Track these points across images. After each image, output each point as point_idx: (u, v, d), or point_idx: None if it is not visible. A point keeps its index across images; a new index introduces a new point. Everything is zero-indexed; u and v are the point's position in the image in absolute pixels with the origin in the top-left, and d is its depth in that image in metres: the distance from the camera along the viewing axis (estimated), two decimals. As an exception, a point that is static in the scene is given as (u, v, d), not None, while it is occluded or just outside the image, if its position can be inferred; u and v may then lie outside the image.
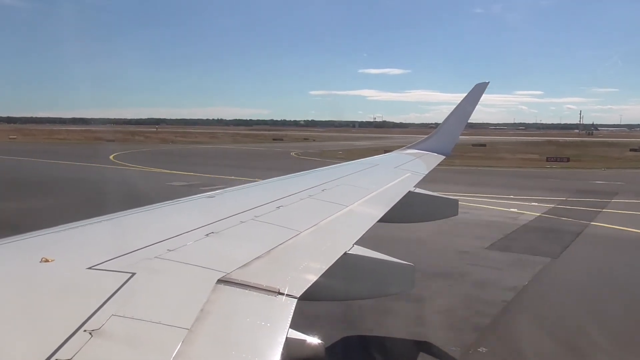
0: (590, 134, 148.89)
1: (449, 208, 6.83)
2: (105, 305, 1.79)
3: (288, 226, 3.36)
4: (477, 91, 9.61)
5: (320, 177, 5.90)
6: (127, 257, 2.33)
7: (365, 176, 6.73)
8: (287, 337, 1.89)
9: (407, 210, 5.71)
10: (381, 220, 4.34)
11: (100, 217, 3.24)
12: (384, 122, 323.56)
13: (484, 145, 68.45)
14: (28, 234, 2.69)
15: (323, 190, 4.87)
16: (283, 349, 1.81)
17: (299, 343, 2.12)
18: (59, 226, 2.89)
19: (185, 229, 2.93)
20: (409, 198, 5.69)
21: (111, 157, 46.61)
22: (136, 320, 1.75)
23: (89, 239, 2.86)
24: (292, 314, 2.06)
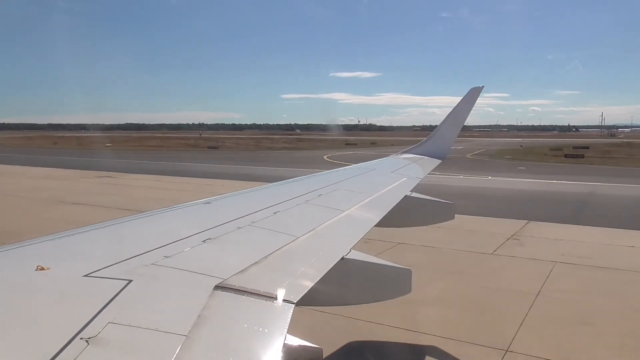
0: (612, 136, 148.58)
1: (446, 212, 6.84)
2: (101, 313, 1.78)
3: (285, 232, 3.36)
4: (472, 95, 9.66)
5: (317, 182, 5.90)
6: (123, 264, 2.32)
7: (361, 181, 6.74)
8: (285, 343, 1.89)
9: (403, 214, 5.72)
10: (378, 224, 4.34)
11: (96, 224, 3.22)
12: (370, 125, 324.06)
13: (587, 147, 67.33)
14: (23, 242, 2.68)
15: (320, 195, 4.88)
16: (281, 354, 1.80)
17: (297, 349, 2.12)
18: (55, 234, 2.88)
19: (182, 236, 2.92)
20: (406, 202, 5.71)
21: (325, 157, 48.33)
22: (133, 327, 1.74)
23: (85, 246, 2.85)
24: (289, 319, 2.05)
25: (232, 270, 2.41)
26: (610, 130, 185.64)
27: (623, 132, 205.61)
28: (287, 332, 1.96)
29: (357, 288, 3.45)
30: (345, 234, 3.71)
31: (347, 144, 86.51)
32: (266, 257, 2.76)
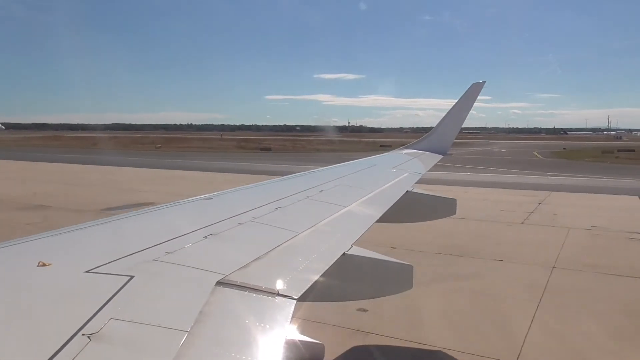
0: (619, 138, 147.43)
1: (447, 207, 6.83)
2: (103, 309, 1.78)
3: (286, 227, 3.36)
4: (474, 91, 9.65)
5: (318, 178, 5.90)
6: (125, 260, 2.32)
7: (363, 176, 6.74)
8: (286, 339, 1.89)
9: (405, 210, 5.72)
10: (379, 220, 4.34)
11: (98, 220, 3.23)
12: (361, 126, 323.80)
13: (632, 150, 66.49)
14: (25, 238, 2.68)
15: (321, 191, 4.87)
16: (283, 350, 1.80)
17: (299, 344, 2.12)
18: (56, 230, 2.88)
19: (184, 231, 2.93)
20: (407, 198, 5.70)
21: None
22: (135, 323, 1.74)
23: (87, 242, 2.85)
24: (291, 315, 2.06)
25: (233, 266, 2.41)
26: (617, 133, 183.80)
27: (609, 134, 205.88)
28: (289, 328, 1.96)
29: (359, 284, 3.45)
30: (347, 229, 3.71)
31: (381, 146, 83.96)
32: (268, 253, 2.76)
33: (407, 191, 5.85)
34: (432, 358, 7.50)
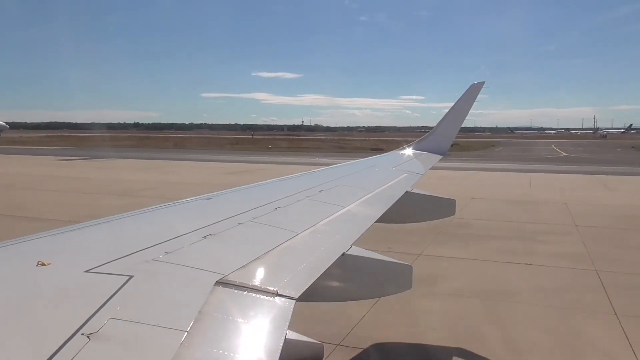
0: (604, 137, 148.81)
1: (446, 208, 6.84)
2: (102, 309, 1.78)
3: (286, 227, 3.36)
4: (473, 91, 9.67)
5: (318, 178, 5.90)
6: (124, 260, 2.33)
7: (362, 177, 6.74)
8: (285, 339, 1.89)
9: (404, 210, 5.72)
10: (379, 220, 4.34)
11: (97, 219, 3.23)
12: (316, 125, 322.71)
13: None
14: (24, 238, 2.68)
15: (320, 191, 4.87)
16: (282, 350, 1.81)
17: (298, 344, 2.12)
18: (56, 229, 2.88)
19: (183, 231, 2.93)
20: (407, 198, 5.70)
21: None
22: (134, 323, 1.74)
23: (86, 242, 2.85)
24: (290, 315, 2.06)
25: (233, 266, 2.41)
26: (601, 132, 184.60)
27: (549, 133, 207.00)
28: (288, 328, 1.96)
29: (358, 284, 3.45)
30: (346, 230, 3.71)
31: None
32: (267, 253, 2.76)
33: (406, 191, 5.85)
34: (434, 358, 7.50)
